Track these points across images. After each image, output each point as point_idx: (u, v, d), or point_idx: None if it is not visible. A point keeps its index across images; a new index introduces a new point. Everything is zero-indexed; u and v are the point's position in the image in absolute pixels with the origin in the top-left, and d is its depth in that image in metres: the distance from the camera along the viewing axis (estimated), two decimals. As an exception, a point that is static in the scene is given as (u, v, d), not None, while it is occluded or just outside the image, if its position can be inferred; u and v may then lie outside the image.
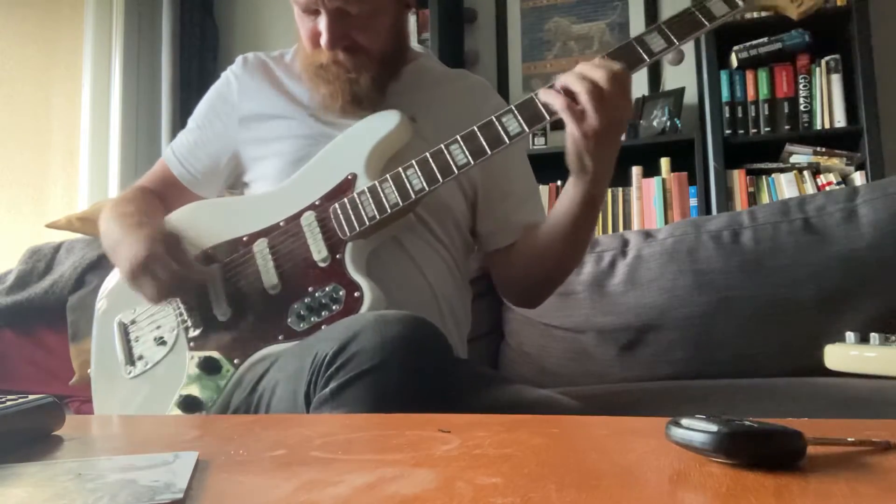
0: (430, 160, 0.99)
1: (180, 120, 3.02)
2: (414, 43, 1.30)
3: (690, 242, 1.40)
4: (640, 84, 2.89)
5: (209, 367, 1.02)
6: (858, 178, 2.50)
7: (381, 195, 1.00)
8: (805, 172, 2.55)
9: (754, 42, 2.62)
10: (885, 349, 1.05)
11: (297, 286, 1.01)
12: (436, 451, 0.49)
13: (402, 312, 0.87)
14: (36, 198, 2.88)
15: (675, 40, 0.94)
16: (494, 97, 1.24)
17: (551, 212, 1.08)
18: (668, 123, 2.73)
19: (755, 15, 2.54)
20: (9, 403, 0.59)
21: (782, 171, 2.59)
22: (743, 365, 1.32)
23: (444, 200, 1.12)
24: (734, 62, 2.67)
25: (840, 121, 2.56)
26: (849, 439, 0.47)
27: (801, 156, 2.58)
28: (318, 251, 1.02)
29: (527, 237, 1.13)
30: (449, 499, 0.38)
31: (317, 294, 0.99)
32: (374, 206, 1.00)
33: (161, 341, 1.08)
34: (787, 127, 2.61)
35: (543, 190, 2.77)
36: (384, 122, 1.06)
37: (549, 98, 0.93)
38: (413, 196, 0.99)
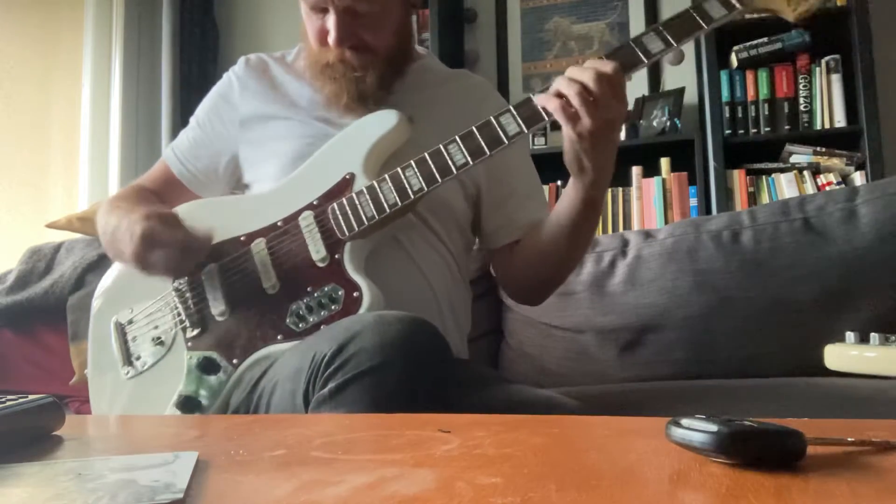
0: (429, 160, 0.99)
1: (180, 120, 3.02)
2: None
3: (690, 242, 1.40)
4: (640, 84, 2.89)
5: (207, 368, 1.02)
6: (858, 178, 2.50)
7: (380, 195, 1.00)
8: (805, 172, 2.55)
9: (754, 42, 2.62)
10: (885, 349, 1.05)
11: (296, 286, 1.01)
12: (436, 451, 0.49)
13: (401, 313, 0.87)
14: (36, 198, 2.88)
15: (673, 42, 0.94)
16: (496, 97, 1.25)
17: (552, 213, 1.08)
18: (668, 123, 2.72)
19: (755, 15, 2.53)
20: (9, 403, 0.59)
21: (782, 171, 2.59)
22: (743, 365, 1.32)
23: (445, 199, 1.12)
24: (734, 62, 2.66)
25: (840, 121, 2.56)
26: (849, 439, 0.46)
27: (801, 156, 2.58)
28: (317, 251, 1.02)
29: (531, 235, 1.13)
30: (449, 499, 0.38)
31: (315, 294, 0.99)
32: (372, 207, 1.00)
33: (159, 341, 1.08)
34: (787, 127, 2.61)
35: (543, 190, 2.76)
36: (382, 122, 1.06)
37: (543, 102, 0.94)
38: (412, 196, 0.99)
